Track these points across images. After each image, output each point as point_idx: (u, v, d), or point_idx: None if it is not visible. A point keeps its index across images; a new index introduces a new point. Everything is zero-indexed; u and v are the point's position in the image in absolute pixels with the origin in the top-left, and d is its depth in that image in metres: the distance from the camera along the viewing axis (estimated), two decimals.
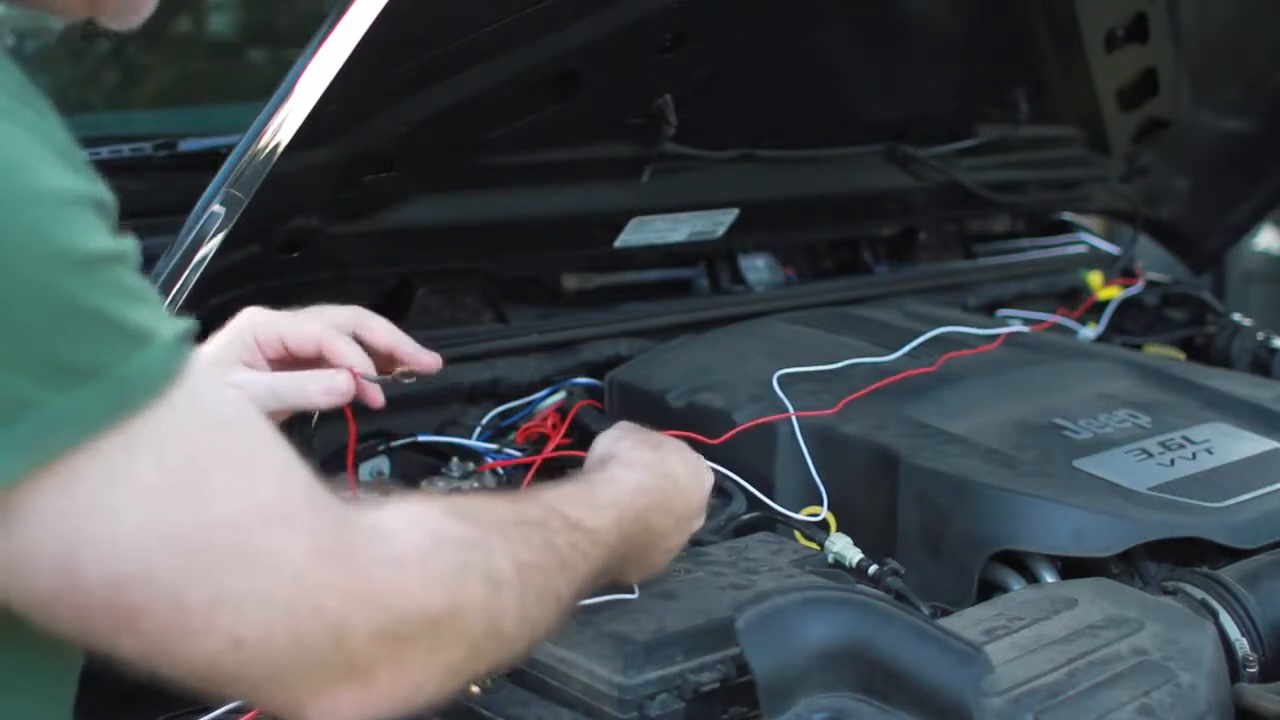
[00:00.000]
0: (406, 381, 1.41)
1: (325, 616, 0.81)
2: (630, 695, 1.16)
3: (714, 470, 1.51)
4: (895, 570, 1.38)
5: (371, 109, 1.51)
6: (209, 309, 1.43)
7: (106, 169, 0.82)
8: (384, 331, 1.41)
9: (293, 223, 1.58)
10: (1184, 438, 1.65)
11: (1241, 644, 1.31)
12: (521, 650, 0.98)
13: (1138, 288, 2.54)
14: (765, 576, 1.34)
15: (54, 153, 0.77)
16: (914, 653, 1.10)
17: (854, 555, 1.40)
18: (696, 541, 1.46)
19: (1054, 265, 2.63)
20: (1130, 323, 2.48)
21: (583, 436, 1.70)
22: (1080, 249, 2.70)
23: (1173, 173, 2.67)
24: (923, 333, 1.92)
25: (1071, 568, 1.44)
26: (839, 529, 1.50)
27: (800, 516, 1.54)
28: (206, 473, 0.79)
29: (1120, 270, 2.64)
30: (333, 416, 1.54)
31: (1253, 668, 1.30)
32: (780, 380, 1.68)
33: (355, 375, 1.36)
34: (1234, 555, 1.45)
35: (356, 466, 1.56)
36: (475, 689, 1.20)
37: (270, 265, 1.55)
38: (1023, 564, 1.45)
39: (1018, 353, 1.93)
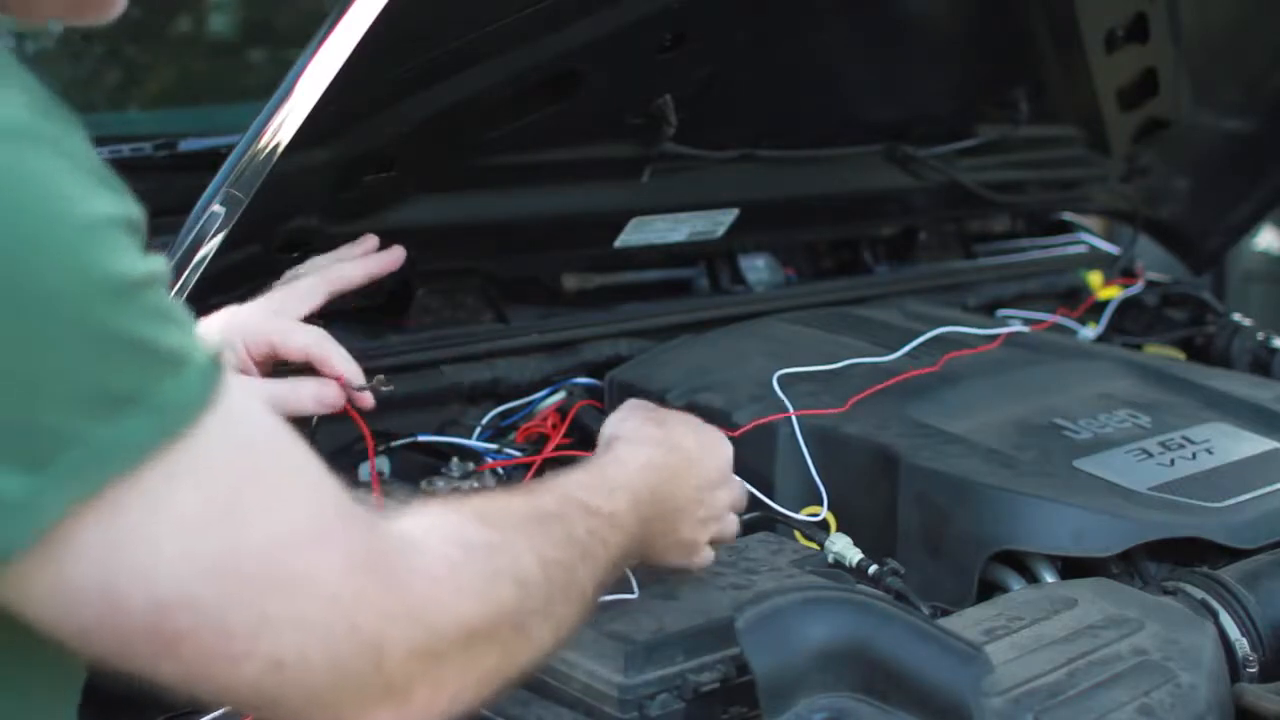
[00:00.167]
0: (385, 390, 1.43)
1: (362, 634, 0.81)
2: (630, 695, 1.16)
3: None
4: (895, 570, 1.38)
5: (371, 109, 1.51)
6: (209, 309, 1.43)
7: None
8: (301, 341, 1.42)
9: (293, 223, 1.58)
10: (1184, 438, 1.65)
11: (1241, 644, 1.31)
12: (550, 649, 0.97)
13: (1138, 288, 2.54)
14: (765, 576, 1.34)
15: (86, 173, 0.76)
16: (914, 653, 1.10)
17: (854, 555, 1.40)
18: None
19: (1054, 265, 2.63)
20: (1130, 323, 2.48)
21: (583, 436, 1.70)
22: (1080, 249, 2.70)
23: (1173, 173, 2.67)
24: (923, 333, 1.92)
25: (1071, 568, 1.44)
26: (839, 529, 1.50)
27: (800, 516, 1.54)
28: (243, 496, 0.79)
29: (1120, 270, 2.64)
30: (333, 416, 1.54)
31: (1253, 668, 1.30)
32: (780, 380, 1.68)
33: (342, 384, 1.39)
34: (1234, 555, 1.45)
35: (358, 466, 1.56)
36: None
37: (270, 265, 1.55)
38: (1023, 564, 1.45)
39: (1018, 353, 1.93)
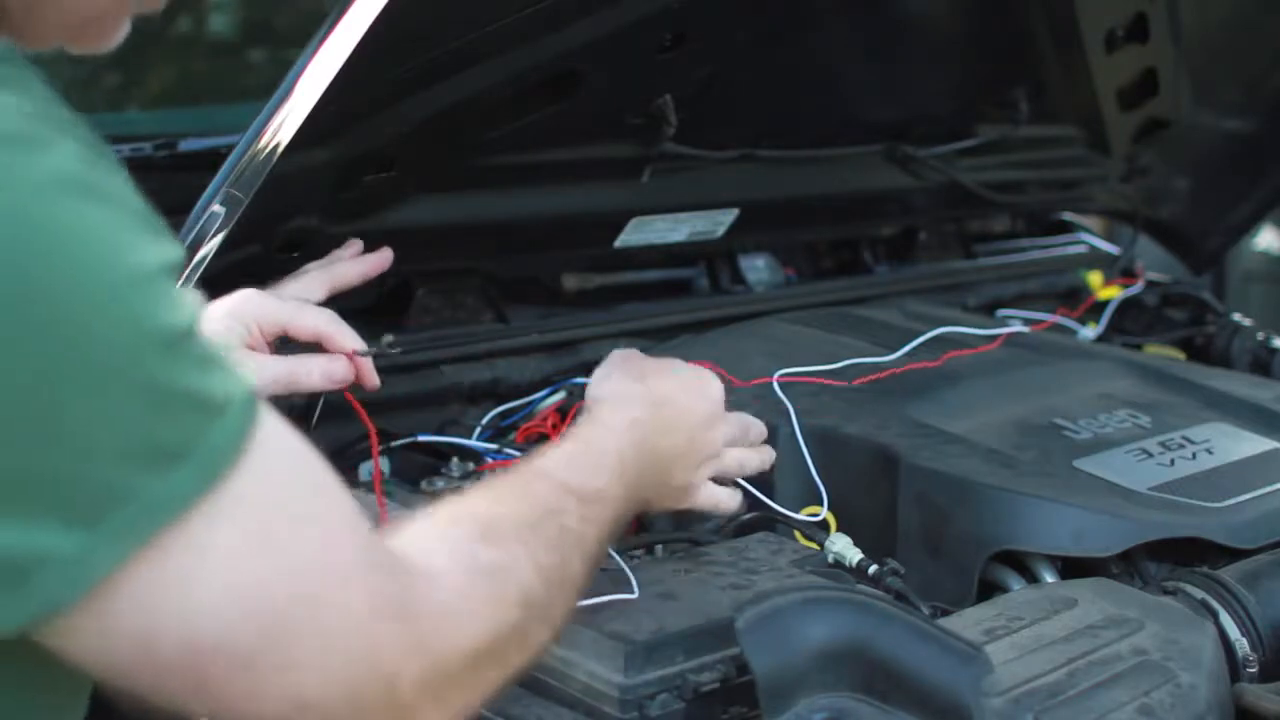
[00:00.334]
0: (392, 351, 1.46)
1: (379, 670, 0.82)
2: (630, 695, 1.16)
3: None
4: (895, 570, 1.38)
5: (371, 109, 1.51)
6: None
7: None
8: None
9: (293, 223, 1.58)
10: (1184, 438, 1.65)
11: (1241, 644, 1.31)
12: (547, 648, 0.99)
13: (1138, 288, 2.54)
14: (765, 576, 1.34)
15: (135, 220, 0.76)
16: (914, 653, 1.10)
17: (854, 555, 1.40)
18: (695, 541, 1.46)
19: (1054, 265, 2.63)
20: (1130, 323, 2.48)
21: None
22: (1080, 249, 2.70)
23: (1173, 173, 2.67)
24: (923, 333, 1.92)
25: (1071, 568, 1.44)
26: (839, 529, 1.50)
27: (800, 516, 1.54)
28: (279, 536, 0.80)
29: (1120, 270, 2.64)
30: (334, 416, 1.54)
31: (1253, 668, 1.30)
32: (780, 380, 1.68)
33: (353, 359, 1.41)
34: (1234, 555, 1.45)
35: (358, 466, 1.57)
36: None
37: (270, 265, 1.55)
38: (1023, 564, 1.45)
39: (1018, 353, 1.93)
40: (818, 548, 1.45)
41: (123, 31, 0.93)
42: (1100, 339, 2.36)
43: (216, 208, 1.45)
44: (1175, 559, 1.47)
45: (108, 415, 0.73)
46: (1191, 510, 1.49)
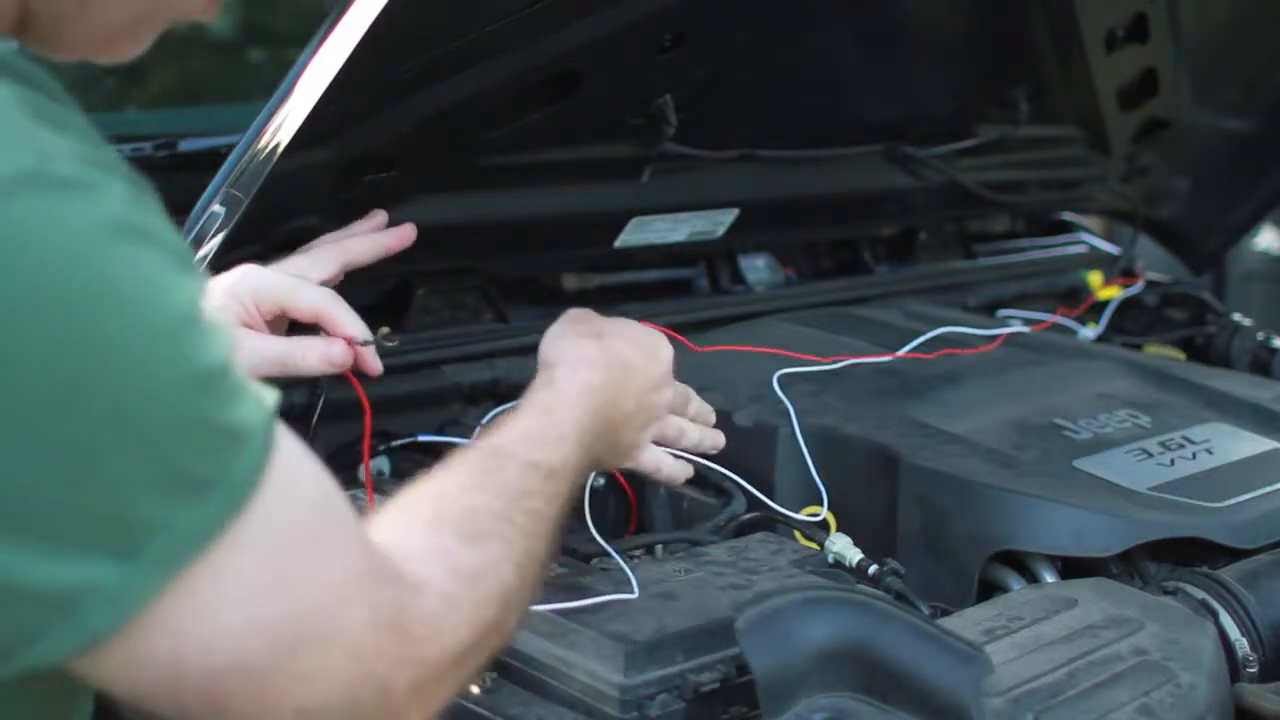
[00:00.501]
0: (390, 344, 1.43)
1: (375, 680, 0.84)
2: (630, 695, 1.16)
3: (713, 470, 1.52)
4: (895, 570, 1.38)
5: (371, 109, 1.51)
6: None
7: None
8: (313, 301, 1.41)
9: (293, 223, 1.58)
10: (1184, 438, 1.65)
11: (1241, 644, 1.31)
12: (518, 627, 1.02)
13: (1138, 288, 2.54)
14: (765, 576, 1.34)
15: (175, 259, 0.77)
16: (914, 653, 1.10)
17: (854, 555, 1.40)
18: (695, 541, 1.46)
19: (1054, 265, 2.63)
20: (1130, 323, 2.48)
21: None
22: (1080, 249, 2.70)
23: (1173, 173, 2.67)
24: (923, 333, 1.92)
25: (1071, 568, 1.44)
26: (839, 529, 1.50)
27: (800, 516, 1.54)
28: (295, 559, 0.81)
29: (1120, 270, 2.64)
30: (333, 416, 1.54)
31: (1253, 668, 1.30)
32: (780, 380, 1.68)
33: (351, 344, 1.38)
34: (1234, 555, 1.45)
35: (358, 466, 1.56)
36: (475, 689, 1.20)
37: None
38: (1023, 564, 1.45)
39: (1018, 353, 1.93)
40: (818, 548, 1.45)
41: (150, 42, 0.93)
42: (1100, 339, 2.36)
43: (216, 208, 1.45)
44: (1175, 559, 1.47)
45: (151, 452, 0.74)
46: (1191, 510, 1.49)
